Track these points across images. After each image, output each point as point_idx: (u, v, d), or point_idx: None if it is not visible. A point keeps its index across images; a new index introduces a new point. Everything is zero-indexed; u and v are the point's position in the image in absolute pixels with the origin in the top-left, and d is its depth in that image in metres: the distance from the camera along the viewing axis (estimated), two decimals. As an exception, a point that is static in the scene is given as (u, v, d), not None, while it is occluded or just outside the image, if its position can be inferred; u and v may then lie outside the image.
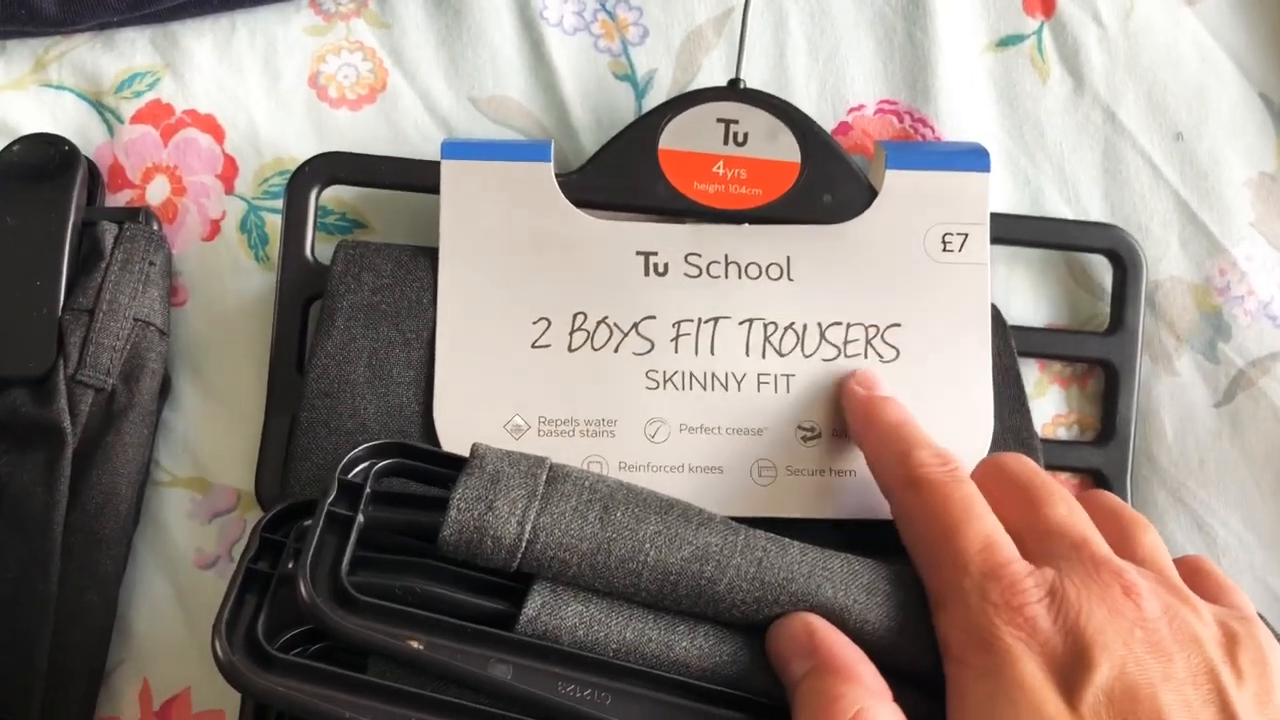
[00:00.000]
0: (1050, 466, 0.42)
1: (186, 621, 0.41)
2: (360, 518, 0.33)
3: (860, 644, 0.33)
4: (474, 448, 0.35)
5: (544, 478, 0.34)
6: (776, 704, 0.33)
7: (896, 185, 0.41)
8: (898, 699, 0.31)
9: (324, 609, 0.32)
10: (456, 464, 0.35)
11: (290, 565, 0.33)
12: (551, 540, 0.33)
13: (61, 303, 0.41)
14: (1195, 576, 0.34)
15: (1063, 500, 0.34)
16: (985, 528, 0.33)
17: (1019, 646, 0.30)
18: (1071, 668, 0.30)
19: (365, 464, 0.35)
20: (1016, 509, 0.34)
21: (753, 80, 0.44)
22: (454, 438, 0.39)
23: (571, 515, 0.33)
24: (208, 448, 0.42)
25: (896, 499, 0.36)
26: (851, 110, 0.45)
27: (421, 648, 0.32)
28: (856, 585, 0.33)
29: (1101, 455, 0.42)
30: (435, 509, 0.34)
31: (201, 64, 0.45)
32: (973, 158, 0.42)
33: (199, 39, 0.45)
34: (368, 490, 0.34)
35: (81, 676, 0.40)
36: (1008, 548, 0.32)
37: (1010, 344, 0.41)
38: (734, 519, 0.35)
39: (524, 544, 0.33)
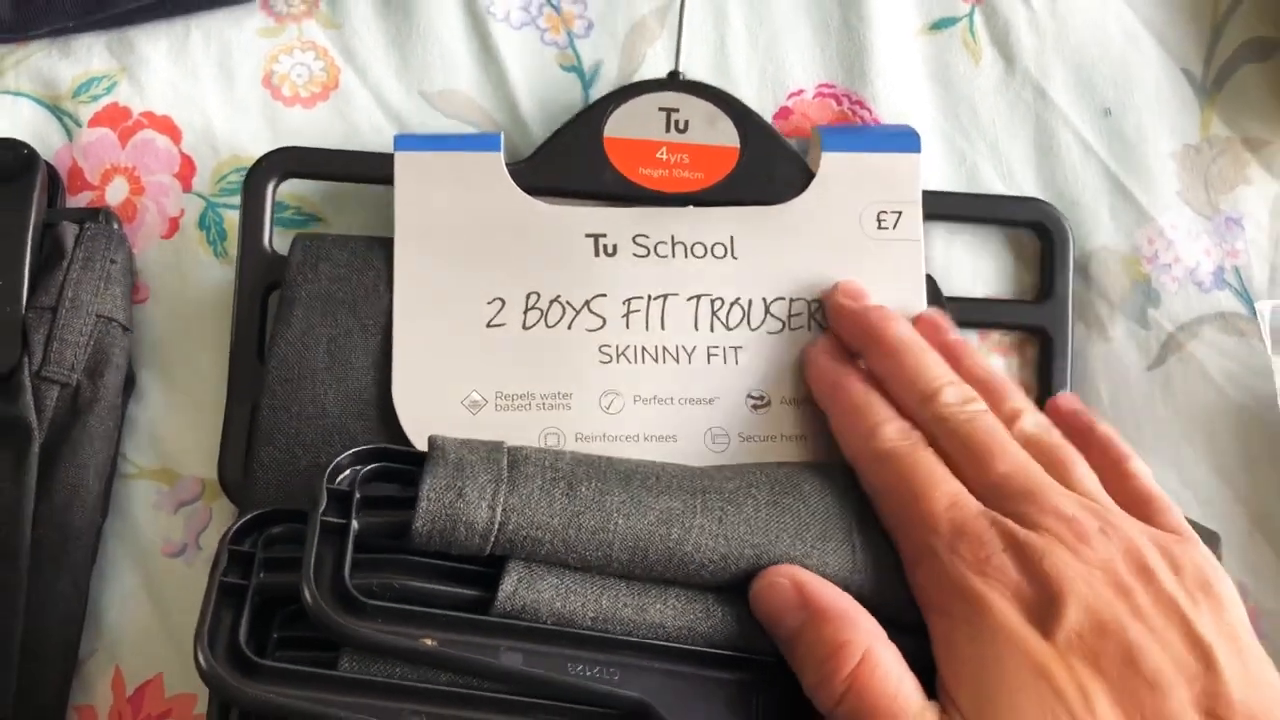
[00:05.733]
0: (991, 431, 0.43)
1: (156, 609, 0.42)
2: (355, 524, 0.34)
3: None
4: (431, 440, 0.36)
5: (505, 461, 0.35)
6: (770, 659, 0.35)
7: (832, 167, 0.43)
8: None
9: (332, 615, 0.32)
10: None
11: (262, 575, 0.34)
12: (524, 520, 0.34)
13: (25, 301, 0.41)
14: (1132, 498, 0.36)
15: (1007, 455, 0.36)
16: (950, 489, 0.35)
17: (993, 593, 0.33)
18: (1043, 609, 0.32)
19: (349, 470, 0.35)
20: (970, 465, 0.36)
21: (695, 69, 0.46)
22: (413, 416, 0.40)
23: (539, 494, 0.34)
24: (172, 439, 0.43)
25: (864, 470, 0.38)
26: (792, 95, 0.47)
27: (435, 644, 0.32)
28: (811, 535, 0.35)
29: (1040, 419, 0.44)
30: (407, 506, 0.34)
31: (158, 67, 0.46)
32: (904, 139, 0.44)
33: (154, 43, 0.46)
34: (357, 497, 0.34)
35: (55, 665, 0.40)
36: (971, 504, 0.35)
37: (946, 313, 0.43)
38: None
39: (496, 526, 0.34)
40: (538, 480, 0.34)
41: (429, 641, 0.32)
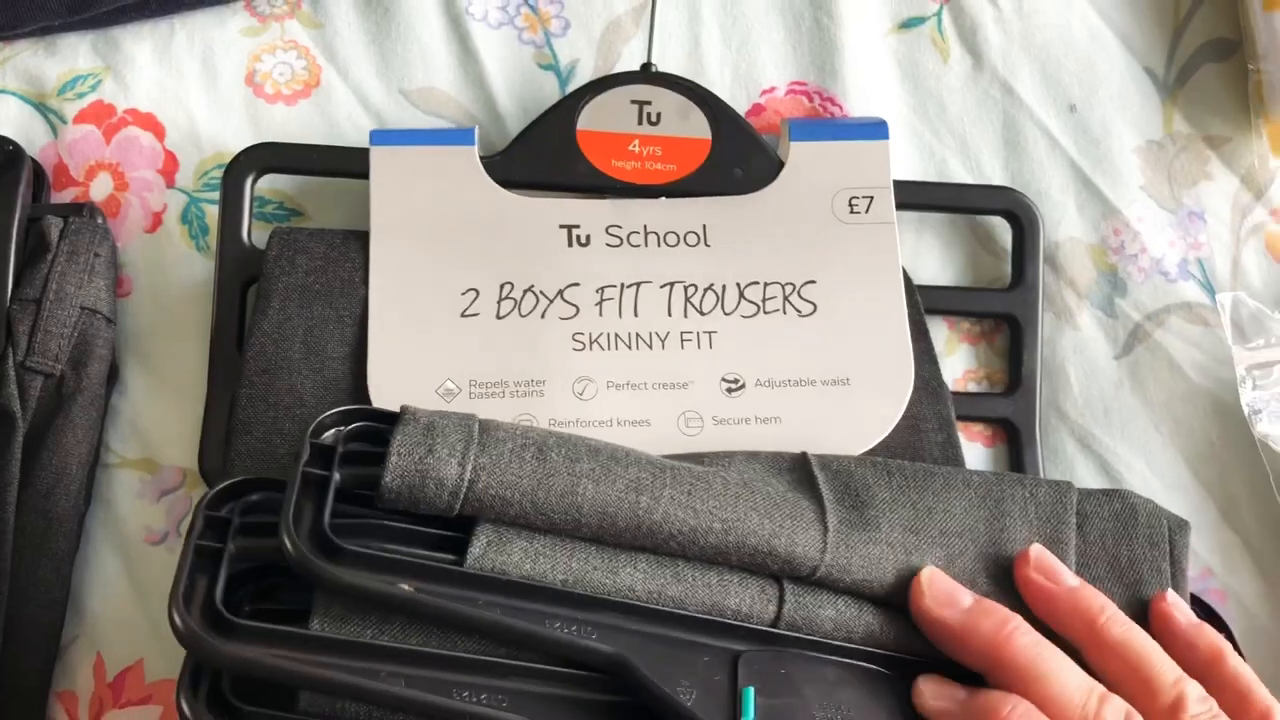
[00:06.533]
0: (961, 417, 0.44)
1: (138, 596, 0.43)
2: (337, 476, 0.34)
3: (794, 567, 0.36)
4: (403, 407, 0.36)
5: (476, 427, 0.35)
6: (746, 624, 0.35)
7: (801, 156, 0.44)
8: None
9: (313, 560, 0.32)
10: None
11: (238, 539, 0.34)
12: (493, 479, 0.34)
13: (9, 294, 0.42)
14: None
15: None
16: None
17: None
18: None
19: (333, 429, 0.36)
20: None
21: (669, 67, 0.47)
22: (388, 403, 0.40)
23: (510, 455, 0.35)
24: (155, 430, 0.44)
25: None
26: (764, 93, 0.48)
27: (413, 591, 0.33)
28: (780, 514, 0.36)
29: (1010, 405, 0.45)
30: (378, 464, 0.34)
31: (142, 66, 0.47)
32: (871, 128, 0.45)
33: (139, 42, 0.47)
34: (340, 451, 0.35)
35: (38, 651, 0.41)
36: None
37: (916, 299, 0.44)
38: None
39: (466, 484, 0.34)
40: (508, 444, 0.35)
41: (407, 587, 0.33)
